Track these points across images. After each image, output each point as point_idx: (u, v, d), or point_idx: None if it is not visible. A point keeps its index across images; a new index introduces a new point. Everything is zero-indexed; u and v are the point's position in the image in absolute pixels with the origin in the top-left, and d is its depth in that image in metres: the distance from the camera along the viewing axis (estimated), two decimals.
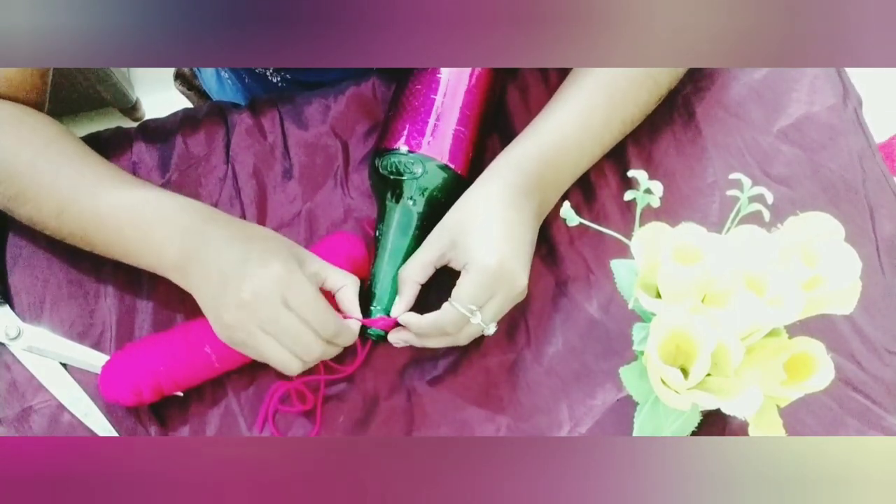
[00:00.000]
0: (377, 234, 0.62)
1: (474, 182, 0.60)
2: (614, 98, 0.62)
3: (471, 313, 0.56)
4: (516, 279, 0.57)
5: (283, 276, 0.53)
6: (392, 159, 0.61)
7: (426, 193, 0.61)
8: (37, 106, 0.64)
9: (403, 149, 0.61)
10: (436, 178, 0.61)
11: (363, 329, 0.60)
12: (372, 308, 0.60)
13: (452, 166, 0.61)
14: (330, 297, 0.59)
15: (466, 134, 0.62)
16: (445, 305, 0.57)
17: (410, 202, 0.61)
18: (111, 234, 0.59)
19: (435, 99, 0.62)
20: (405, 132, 0.61)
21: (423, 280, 0.59)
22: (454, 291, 0.57)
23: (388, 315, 0.59)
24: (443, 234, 0.58)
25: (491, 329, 0.58)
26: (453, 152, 0.61)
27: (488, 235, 0.56)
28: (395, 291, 0.60)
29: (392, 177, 0.61)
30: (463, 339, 0.59)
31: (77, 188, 0.59)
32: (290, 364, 0.55)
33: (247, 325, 0.54)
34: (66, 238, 0.61)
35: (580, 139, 0.62)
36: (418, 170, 0.60)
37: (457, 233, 0.58)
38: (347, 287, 0.58)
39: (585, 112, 0.62)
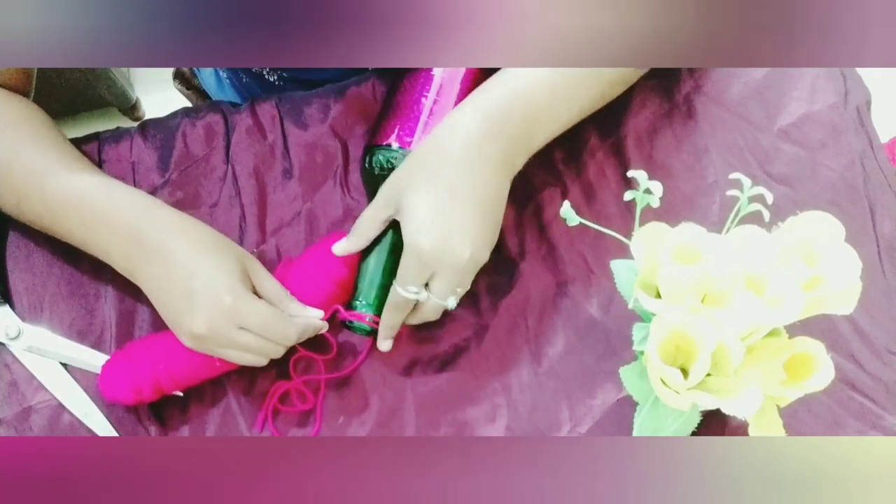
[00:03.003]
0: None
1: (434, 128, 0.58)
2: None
3: (415, 294, 0.57)
4: (457, 253, 0.54)
5: (232, 307, 0.55)
6: (382, 155, 0.61)
7: None
8: (21, 91, 0.64)
9: (394, 145, 0.61)
10: None
11: (349, 322, 0.60)
12: (357, 303, 0.60)
13: None
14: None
15: None
16: (391, 288, 0.58)
17: None
18: (62, 226, 0.59)
19: (428, 97, 0.62)
20: (396, 129, 0.61)
21: (376, 234, 0.59)
22: (398, 272, 0.57)
23: (374, 307, 0.60)
24: (390, 194, 0.57)
25: (451, 303, 0.58)
26: None
27: (422, 211, 0.55)
28: (381, 287, 0.60)
29: (382, 173, 0.61)
30: (428, 314, 0.59)
31: (28, 178, 0.58)
32: (258, 364, 0.59)
33: (208, 346, 0.57)
34: (30, 224, 0.61)
35: (553, 88, 0.57)
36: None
37: (399, 196, 0.56)
38: (282, 300, 0.59)
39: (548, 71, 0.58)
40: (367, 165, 0.63)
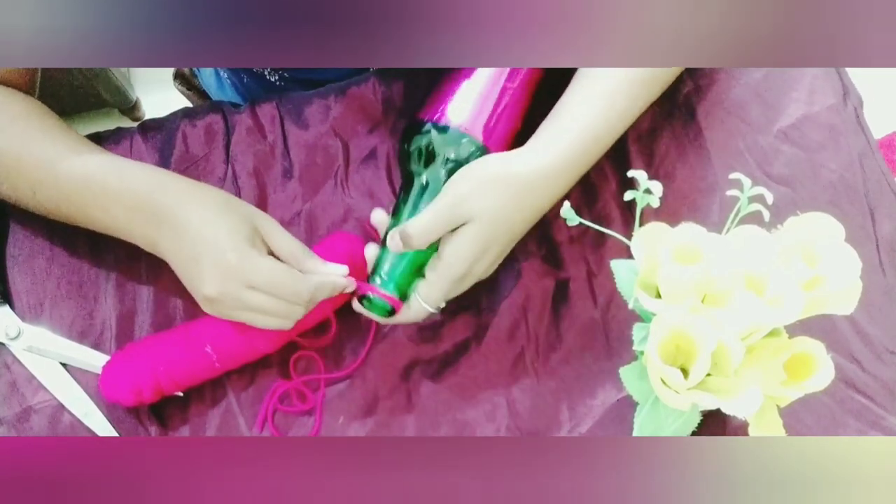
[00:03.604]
0: (396, 205, 0.60)
1: (506, 155, 0.58)
2: (635, 83, 0.61)
3: (437, 310, 0.59)
4: (478, 279, 0.59)
5: (238, 267, 0.54)
6: (426, 132, 0.60)
7: (454, 171, 0.59)
8: (25, 90, 0.64)
9: (441, 122, 0.60)
10: (469, 157, 0.59)
11: (367, 301, 0.58)
12: (377, 278, 0.58)
13: (488, 146, 0.60)
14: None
15: (507, 114, 0.61)
16: (414, 303, 0.58)
17: (441, 174, 0.59)
18: (81, 211, 0.59)
19: (478, 76, 0.61)
20: (443, 106, 0.60)
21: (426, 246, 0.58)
22: (423, 291, 0.58)
23: (397, 287, 0.58)
24: (458, 214, 0.56)
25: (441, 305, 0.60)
26: (489, 130, 0.60)
27: (476, 246, 0.56)
28: (409, 265, 0.58)
29: (423, 150, 0.60)
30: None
31: (41, 167, 0.58)
32: (280, 326, 0.58)
33: (223, 310, 0.56)
34: (47, 214, 0.61)
35: (613, 121, 0.60)
36: (452, 145, 0.59)
37: (458, 217, 0.56)
38: (298, 258, 0.58)
39: (614, 95, 0.60)
40: (408, 139, 0.61)
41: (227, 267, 0.54)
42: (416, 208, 0.59)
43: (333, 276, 0.58)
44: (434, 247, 0.58)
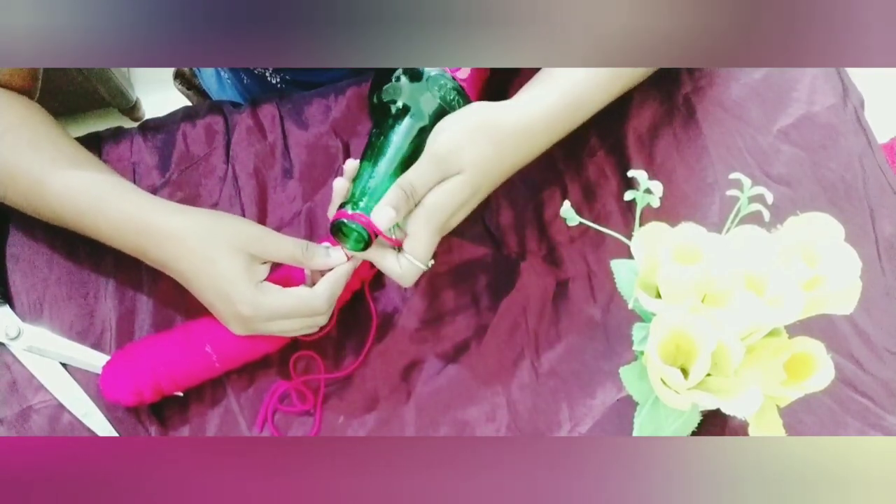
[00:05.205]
0: (369, 146, 0.58)
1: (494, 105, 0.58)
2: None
3: (428, 267, 0.56)
4: (449, 230, 0.58)
5: (253, 316, 0.56)
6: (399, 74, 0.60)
7: (437, 108, 0.60)
8: (26, 90, 0.64)
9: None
10: (449, 94, 0.60)
11: (342, 231, 0.56)
12: (349, 207, 0.55)
13: (466, 92, 0.61)
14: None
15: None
16: (404, 261, 0.55)
17: (420, 105, 0.59)
18: (78, 221, 0.59)
19: None
20: None
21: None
22: (410, 246, 0.55)
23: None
24: (443, 163, 0.55)
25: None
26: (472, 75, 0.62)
27: (459, 198, 0.55)
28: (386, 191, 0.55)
29: (413, 82, 0.60)
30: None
31: (32, 183, 0.59)
32: (312, 331, 0.61)
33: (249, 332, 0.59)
34: (52, 222, 0.61)
35: (592, 87, 0.61)
36: (439, 85, 0.60)
37: (449, 169, 0.55)
38: (299, 260, 0.58)
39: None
40: (396, 74, 0.61)
41: (244, 318, 0.57)
42: (389, 141, 0.58)
43: (339, 274, 0.58)
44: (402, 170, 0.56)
